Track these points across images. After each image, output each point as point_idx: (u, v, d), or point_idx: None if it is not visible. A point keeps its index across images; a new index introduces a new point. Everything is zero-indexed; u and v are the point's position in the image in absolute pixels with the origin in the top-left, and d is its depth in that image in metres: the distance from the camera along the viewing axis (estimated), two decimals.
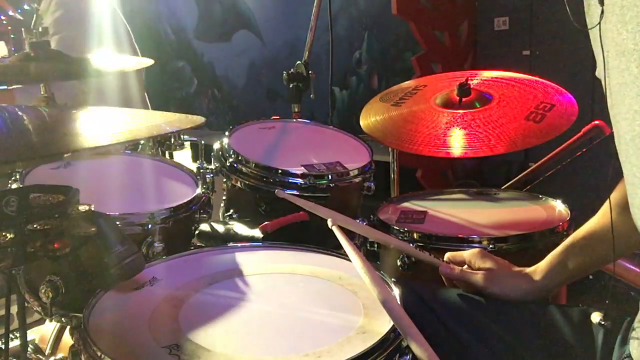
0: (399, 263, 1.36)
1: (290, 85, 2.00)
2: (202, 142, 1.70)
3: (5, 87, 2.49)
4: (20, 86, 2.37)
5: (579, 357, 1.00)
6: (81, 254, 1.00)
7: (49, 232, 0.86)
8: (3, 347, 1.15)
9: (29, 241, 0.85)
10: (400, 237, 1.40)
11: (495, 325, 1.06)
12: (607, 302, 1.01)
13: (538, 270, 1.12)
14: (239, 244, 1.24)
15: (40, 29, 1.49)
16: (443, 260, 1.19)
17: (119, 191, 1.42)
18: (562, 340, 1.03)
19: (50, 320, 1.16)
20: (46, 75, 1.57)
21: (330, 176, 1.48)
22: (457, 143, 1.54)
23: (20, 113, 0.82)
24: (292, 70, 1.99)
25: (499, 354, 1.04)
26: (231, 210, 1.54)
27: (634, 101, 0.76)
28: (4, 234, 0.83)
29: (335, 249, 1.23)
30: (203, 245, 1.37)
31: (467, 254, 1.16)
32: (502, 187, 1.99)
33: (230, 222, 1.48)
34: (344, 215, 1.22)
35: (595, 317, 1.01)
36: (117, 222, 1.18)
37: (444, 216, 1.53)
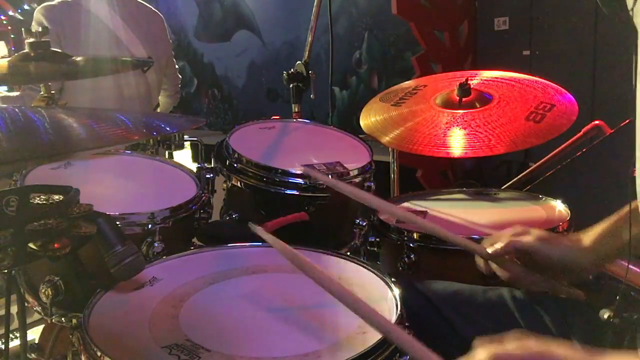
0: (399, 263, 1.36)
1: (290, 85, 2.00)
2: (202, 142, 1.70)
3: (6, 87, 2.49)
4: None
5: None
6: (81, 254, 1.00)
7: (49, 232, 0.86)
8: (3, 347, 1.15)
9: (29, 241, 0.85)
10: (400, 237, 1.40)
11: (496, 322, 1.06)
12: (617, 298, 1.00)
13: (589, 234, 1.08)
14: (239, 244, 1.24)
15: (40, 29, 1.49)
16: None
17: (119, 191, 1.42)
18: (566, 337, 1.03)
19: (50, 320, 1.16)
20: (46, 75, 1.57)
21: (330, 176, 1.48)
22: (457, 143, 1.54)
23: (20, 114, 0.82)
24: (292, 70, 1.99)
25: None
26: (231, 210, 1.54)
27: None
28: (4, 234, 0.83)
29: (335, 249, 1.23)
30: (203, 245, 1.37)
31: (507, 231, 1.10)
32: (502, 187, 1.99)
33: (230, 222, 1.48)
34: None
35: (604, 313, 1.00)
36: (117, 222, 1.18)
37: (444, 216, 1.52)
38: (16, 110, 0.83)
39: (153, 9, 2.73)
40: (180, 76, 2.95)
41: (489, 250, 1.09)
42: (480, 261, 1.13)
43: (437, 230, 1.17)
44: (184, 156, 2.23)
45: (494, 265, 1.10)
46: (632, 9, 0.77)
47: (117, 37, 2.45)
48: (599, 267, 1.10)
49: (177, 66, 2.90)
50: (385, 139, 1.64)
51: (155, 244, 1.26)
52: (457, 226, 1.46)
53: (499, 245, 1.08)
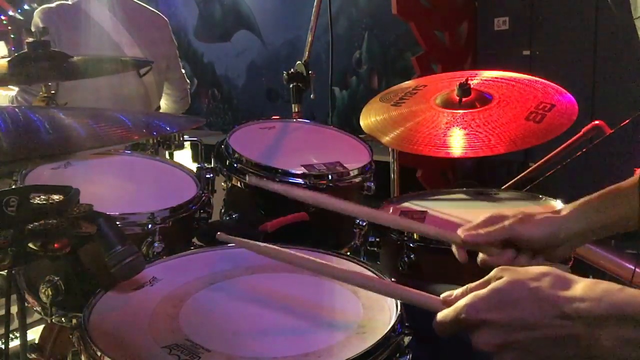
0: (399, 263, 1.36)
1: (290, 85, 2.00)
2: (202, 142, 1.70)
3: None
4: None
5: None
6: (81, 254, 1.00)
7: (49, 232, 0.86)
8: (3, 347, 1.15)
9: (29, 241, 0.85)
10: (400, 237, 1.39)
11: None
12: None
13: (570, 204, 1.06)
14: None
15: (40, 29, 1.49)
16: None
17: (119, 191, 1.42)
18: None
19: (50, 320, 1.16)
20: (46, 75, 1.57)
21: (330, 176, 1.48)
22: (457, 143, 1.54)
23: (20, 114, 0.82)
24: (292, 70, 1.99)
25: None
26: (231, 210, 1.53)
27: None
28: (4, 234, 0.83)
29: (335, 249, 1.23)
30: (203, 245, 1.37)
31: (483, 217, 1.08)
32: (502, 187, 1.99)
33: (230, 222, 1.48)
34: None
35: None
36: (117, 222, 1.18)
37: (444, 216, 1.52)
38: (16, 110, 0.83)
39: (156, 11, 2.72)
40: (189, 81, 2.93)
41: (462, 235, 1.07)
42: (455, 250, 1.11)
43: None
44: (184, 156, 2.23)
45: (481, 255, 1.08)
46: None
47: (113, 40, 2.45)
48: (581, 240, 1.07)
49: (183, 71, 2.88)
50: (385, 139, 1.64)
51: (155, 244, 1.26)
52: (457, 226, 1.46)
53: (474, 230, 1.06)
